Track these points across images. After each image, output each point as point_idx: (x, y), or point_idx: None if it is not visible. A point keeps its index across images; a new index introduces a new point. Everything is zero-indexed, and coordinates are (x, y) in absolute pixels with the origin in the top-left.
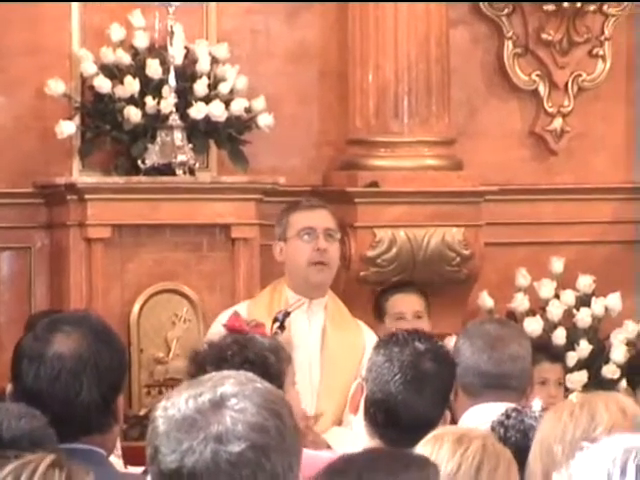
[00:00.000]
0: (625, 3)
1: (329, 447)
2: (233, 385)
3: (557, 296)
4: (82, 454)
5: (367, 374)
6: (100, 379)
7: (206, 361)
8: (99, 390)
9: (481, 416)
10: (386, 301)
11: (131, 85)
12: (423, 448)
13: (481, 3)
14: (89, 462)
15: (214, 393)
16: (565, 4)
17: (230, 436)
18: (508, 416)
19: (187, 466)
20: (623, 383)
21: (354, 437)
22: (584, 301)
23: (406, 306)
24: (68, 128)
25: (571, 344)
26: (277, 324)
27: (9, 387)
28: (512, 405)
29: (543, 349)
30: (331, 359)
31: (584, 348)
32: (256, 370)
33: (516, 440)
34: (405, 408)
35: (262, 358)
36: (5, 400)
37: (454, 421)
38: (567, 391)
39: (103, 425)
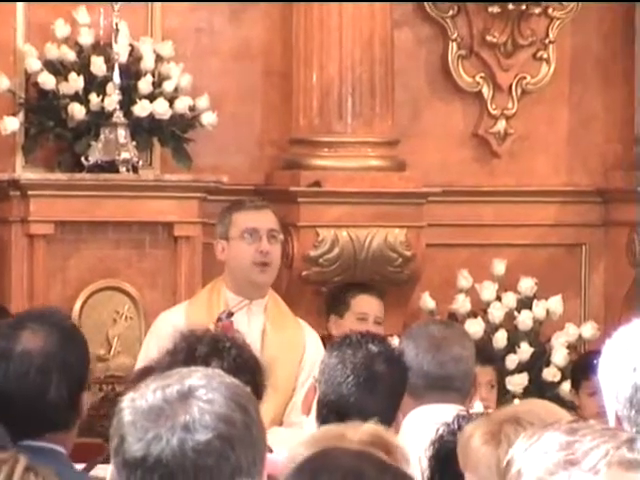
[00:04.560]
0: (570, 6)
1: (269, 450)
2: (200, 378)
3: (498, 298)
4: (43, 453)
5: (320, 376)
6: (68, 376)
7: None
8: (67, 387)
9: (424, 417)
10: (352, 298)
11: (75, 82)
12: None
13: (426, 4)
14: (52, 461)
15: (182, 385)
16: (510, 6)
17: (197, 425)
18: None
19: (153, 454)
20: (564, 386)
21: (293, 437)
22: (525, 304)
23: (370, 308)
24: (12, 124)
25: (512, 346)
26: (220, 324)
27: None
28: (457, 407)
29: None
30: (271, 361)
31: (525, 351)
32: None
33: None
34: (357, 410)
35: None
36: None
37: None
38: (507, 394)
39: (68, 421)
